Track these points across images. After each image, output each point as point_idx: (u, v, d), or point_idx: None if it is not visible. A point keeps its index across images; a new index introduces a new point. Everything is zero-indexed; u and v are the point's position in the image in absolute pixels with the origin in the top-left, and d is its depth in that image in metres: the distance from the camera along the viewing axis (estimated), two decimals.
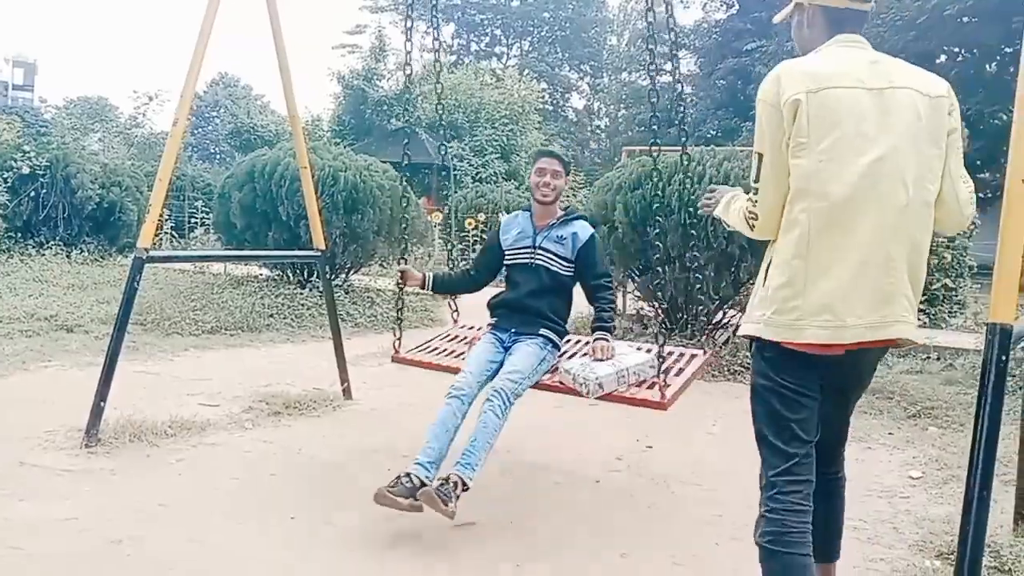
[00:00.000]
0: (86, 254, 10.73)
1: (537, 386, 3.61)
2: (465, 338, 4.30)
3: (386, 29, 28.62)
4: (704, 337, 7.17)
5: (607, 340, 3.67)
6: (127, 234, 11.69)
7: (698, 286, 6.82)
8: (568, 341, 4.03)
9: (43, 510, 3.19)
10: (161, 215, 3.30)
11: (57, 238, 10.79)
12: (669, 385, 3.51)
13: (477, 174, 20.16)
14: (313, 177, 8.55)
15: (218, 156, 29.11)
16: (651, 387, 3.51)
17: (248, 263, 10.18)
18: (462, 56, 43.45)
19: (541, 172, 3.81)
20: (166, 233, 15.26)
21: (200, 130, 37.15)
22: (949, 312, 10.25)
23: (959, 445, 4.80)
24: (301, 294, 8.74)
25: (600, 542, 3.25)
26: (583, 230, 3.84)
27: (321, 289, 8.63)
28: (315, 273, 8.76)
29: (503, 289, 3.98)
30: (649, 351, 3.75)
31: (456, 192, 15.74)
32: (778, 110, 2.12)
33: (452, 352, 4.14)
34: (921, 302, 7.48)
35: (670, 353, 3.83)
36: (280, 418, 4.79)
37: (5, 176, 10.49)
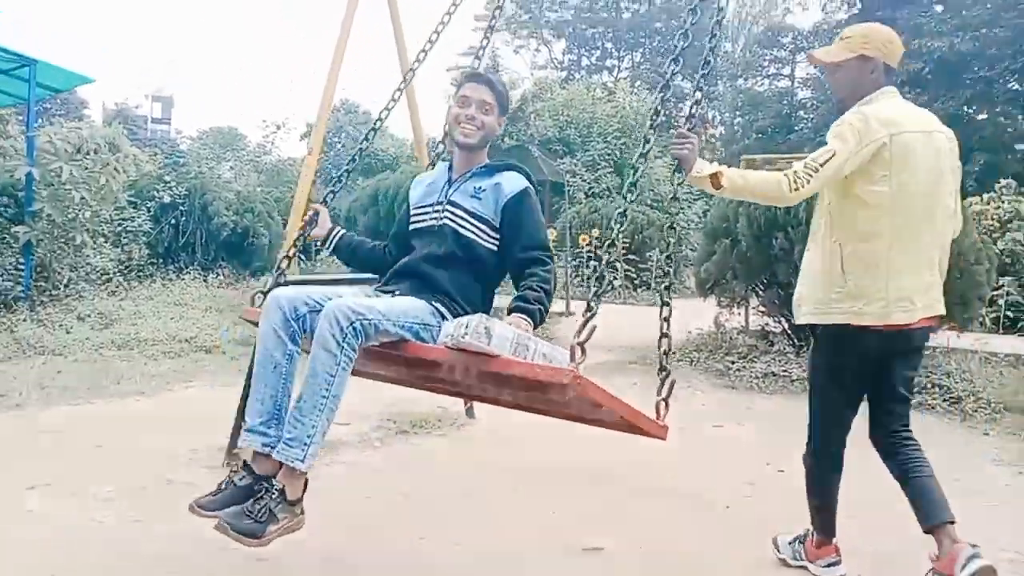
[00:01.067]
0: (221, 278, 11.31)
1: (391, 346, 2.48)
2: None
3: (499, 49, 29.06)
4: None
5: (526, 323, 2.48)
6: (259, 258, 12.25)
7: None
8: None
9: (185, 527, 3.33)
10: (296, 242, 3.33)
11: (195, 263, 11.43)
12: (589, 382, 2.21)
13: (590, 189, 20.11)
14: None
15: (341, 180, 30.13)
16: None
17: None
18: (573, 71, 43.55)
19: (464, 102, 2.83)
20: (295, 257, 15.94)
21: (324, 155, 38.60)
22: None
23: None
24: None
25: (729, 572, 3.15)
26: (512, 182, 2.80)
27: None
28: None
29: None
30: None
31: (569, 208, 15.73)
32: (861, 143, 2.71)
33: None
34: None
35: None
36: (407, 437, 4.89)
37: (148, 206, 11.19)
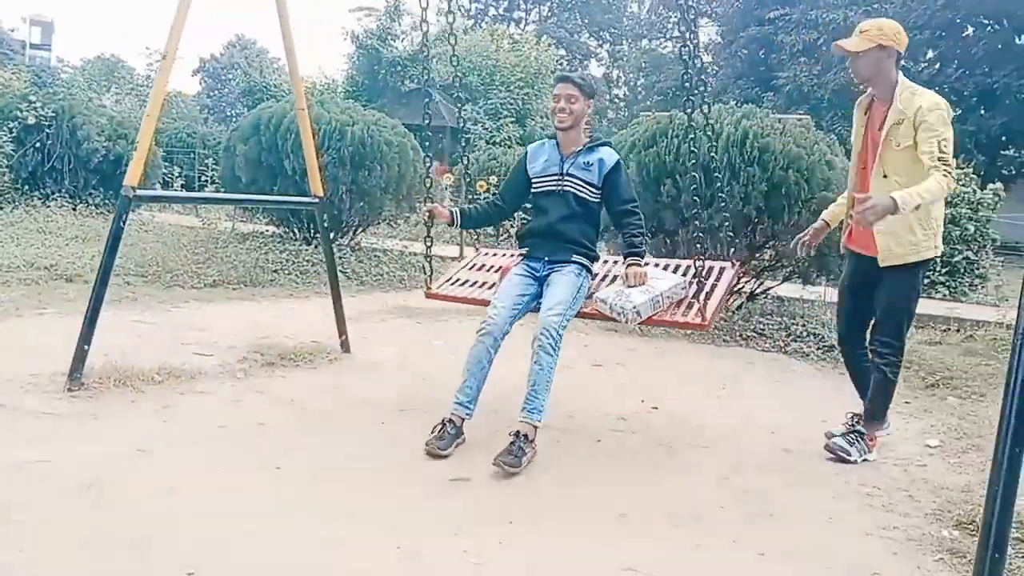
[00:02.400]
0: (92, 207, 10.60)
1: (578, 315, 3.68)
2: (492, 267, 4.30)
3: None
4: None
5: (639, 266, 3.70)
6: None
7: (712, 249, 6.66)
8: (602, 263, 4.10)
9: (17, 452, 3.05)
10: (150, 156, 3.09)
11: (63, 190, 10.65)
12: (707, 306, 3.62)
13: (491, 137, 19.85)
14: (319, 131, 8.40)
15: (233, 118, 28.90)
16: (688, 307, 3.64)
17: (248, 211, 9.96)
18: (480, 20, 42.82)
19: (556, 99, 3.82)
20: (176, 190, 15.13)
21: (216, 92, 36.87)
22: (970, 285, 10.03)
23: (980, 415, 4.61)
24: (306, 250, 8.57)
25: (598, 502, 3.09)
26: (609, 156, 3.84)
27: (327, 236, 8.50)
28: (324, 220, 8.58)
29: (529, 219, 4.03)
30: (677, 271, 3.94)
31: (469, 155, 15.50)
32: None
33: (483, 284, 4.16)
34: (942, 273, 7.42)
35: (707, 272, 3.87)
36: (274, 369, 4.65)
37: (10, 126, 10.33)
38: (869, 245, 3.73)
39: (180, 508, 2.71)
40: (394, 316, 6.75)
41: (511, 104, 21.48)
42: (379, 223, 9.79)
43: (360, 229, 9.42)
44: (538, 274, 3.80)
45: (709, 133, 6.47)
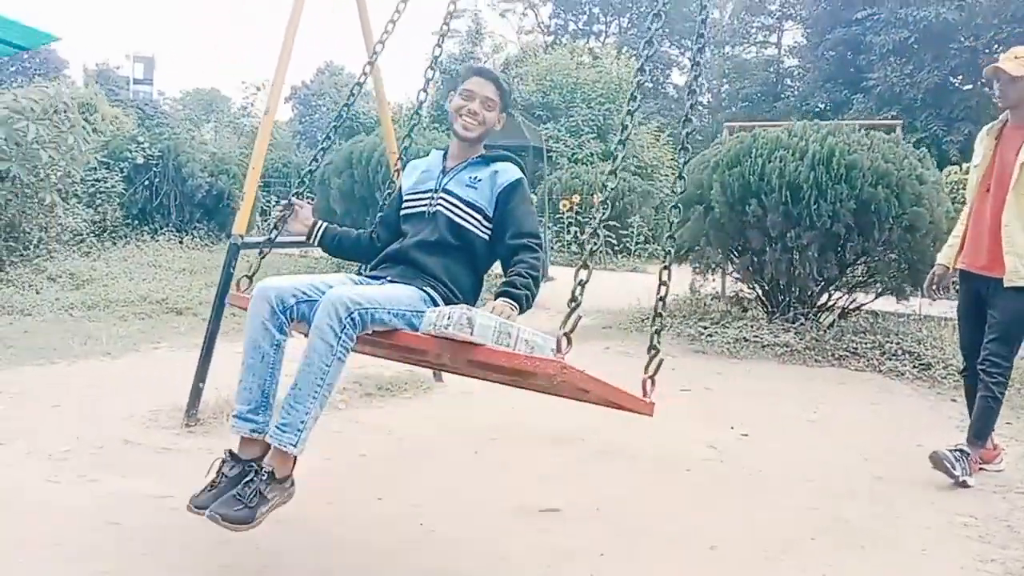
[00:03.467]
0: (197, 239, 11.20)
1: (386, 336, 2.48)
2: None
3: (483, 12, 28.67)
4: (806, 320, 6.90)
5: (511, 309, 2.47)
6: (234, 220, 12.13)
7: (801, 268, 6.61)
8: None
9: (141, 487, 3.32)
10: (256, 202, 3.31)
11: (170, 225, 11.31)
12: (573, 369, 2.20)
13: (573, 155, 19.96)
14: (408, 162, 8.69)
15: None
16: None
17: None
18: (559, 36, 43.06)
19: (468, 95, 2.85)
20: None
21: (308, 118, 38.22)
22: None
23: None
24: None
25: (688, 534, 3.15)
26: (507, 172, 2.84)
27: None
28: None
29: None
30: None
31: (551, 174, 15.63)
32: None
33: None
34: None
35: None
36: (372, 399, 4.87)
37: (122, 166, 11.03)
38: (991, 266, 3.80)
39: (293, 543, 2.90)
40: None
41: (592, 120, 21.54)
42: None
43: None
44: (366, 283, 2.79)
45: (794, 152, 6.50)
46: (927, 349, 6.35)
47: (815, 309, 7.10)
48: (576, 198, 13.17)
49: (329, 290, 2.45)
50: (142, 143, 11.28)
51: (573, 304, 2.23)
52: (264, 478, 2.37)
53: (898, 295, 6.99)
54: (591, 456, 4.06)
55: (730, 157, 6.93)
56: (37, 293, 7.64)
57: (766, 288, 7.30)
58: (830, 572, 2.84)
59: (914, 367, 6.10)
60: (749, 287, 7.60)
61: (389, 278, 2.74)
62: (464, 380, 5.31)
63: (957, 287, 4.12)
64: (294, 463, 2.45)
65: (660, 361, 2.54)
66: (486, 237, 2.82)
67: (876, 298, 7.24)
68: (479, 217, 2.81)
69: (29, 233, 8.78)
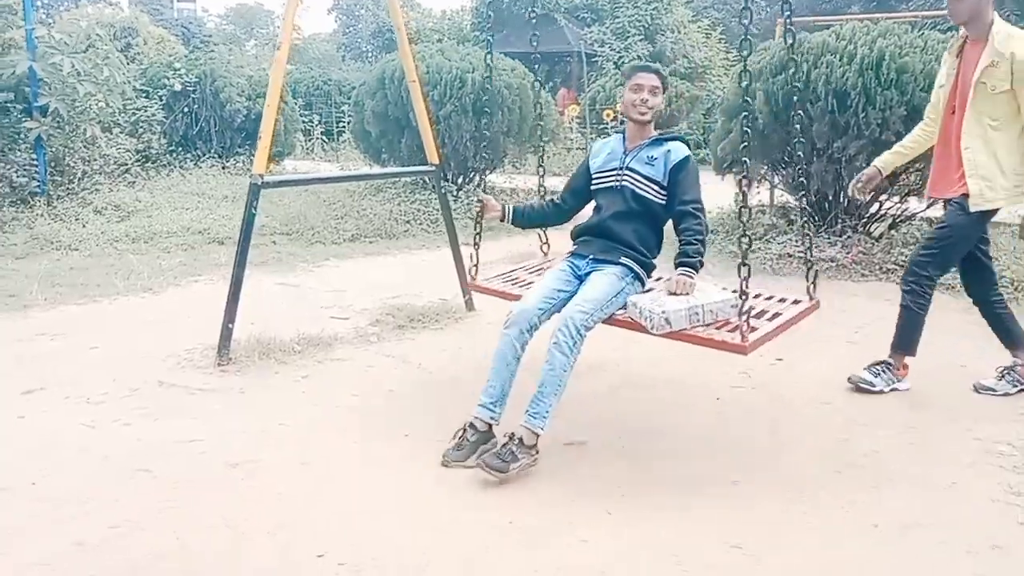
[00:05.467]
0: (239, 165, 11.24)
1: (606, 321, 3.23)
2: (543, 268, 3.99)
3: None
4: (854, 233, 6.67)
5: (689, 277, 3.20)
6: (276, 143, 12.10)
7: (848, 179, 6.33)
8: (656, 280, 3.63)
9: (173, 431, 3.40)
10: (273, 141, 3.32)
11: (212, 151, 11.35)
12: (755, 329, 3.07)
13: (620, 59, 19.33)
14: (441, 80, 8.51)
15: (369, 54, 29.50)
16: (732, 329, 3.06)
17: (380, 161, 10.28)
18: None
19: (637, 88, 3.43)
20: (317, 138, 15.78)
21: (351, 29, 37.69)
22: None
23: None
24: (436, 199, 8.79)
25: (712, 470, 3.12)
26: (677, 150, 3.41)
27: (456, 193, 8.70)
28: (449, 178, 8.77)
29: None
30: (731, 290, 3.22)
31: (595, 80, 15.18)
32: None
33: (529, 284, 3.76)
34: None
35: (765, 297, 3.57)
36: (404, 331, 4.88)
37: (160, 94, 11.04)
38: (948, 189, 3.74)
39: (315, 486, 2.96)
40: (517, 265, 6.87)
41: (639, 21, 20.74)
42: (504, 166, 9.89)
43: (487, 172, 9.55)
44: (580, 272, 3.44)
45: (842, 57, 6.15)
46: None
47: (864, 220, 6.84)
48: (621, 106, 12.78)
49: (564, 308, 3.17)
50: (179, 70, 11.24)
51: (743, 298, 3.03)
52: (517, 443, 3.03)
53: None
54: (621, 385, 4.03)
55: (774, 65, 6.59)
56: (84, 227, 7.80)
57: (813, 200, 7.04)
58: (851, 509, 2.79)
59: None
60: (796, 199, 7.34)
61: (592, 255, 3.42)
62: (495, 309, 5.31)
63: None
64: (538, 438, 3.08)
65: (815, 271, 3.43)
66: (663, 202, 3.43)
67: (929, 206, 6.93)
68: (656, 187, 3.42)
69: (73, 167, 8.91)
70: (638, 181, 3.42)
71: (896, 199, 6.94)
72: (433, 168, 5.13)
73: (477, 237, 3.96)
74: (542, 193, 4.10)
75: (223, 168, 11.03)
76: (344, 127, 15.85)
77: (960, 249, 3.80)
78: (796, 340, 4.62)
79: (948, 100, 3.75)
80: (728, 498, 2.90)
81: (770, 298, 3.60)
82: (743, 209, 3.10)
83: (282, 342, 4.45)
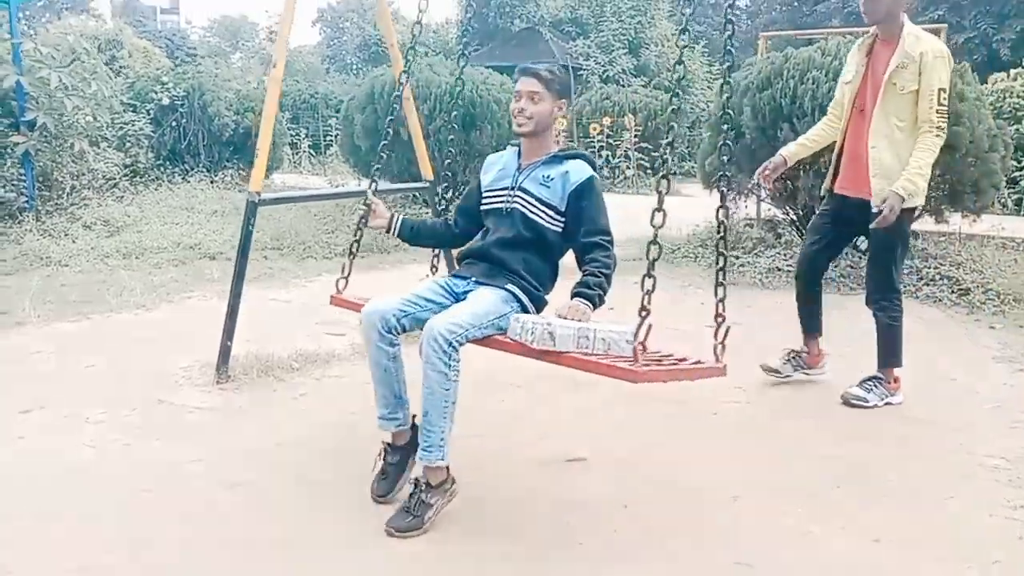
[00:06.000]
0: (227, 179, 11.23)
1: (480, 342, 2.85)
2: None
3: None
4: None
5: (584, 306, 2.77)
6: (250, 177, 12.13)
7: None
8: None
9: (173, 451, 3.40)
10: (283, 138, 3.32)
11: (200, 165, 11.33)
12: (647, 365, 2.57)
13: (604, 72, 19.47)
14: (430, 95, 8.55)
15: (353, 67, 29.57)
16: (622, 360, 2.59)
17: (353, 190, 10.29)
18: None
19: (517, 96, 3.04)
20: (305, 152, 15.78)
21: (336, 41, 37.74)
22: None
23: None
24: (427, 214, 8.84)
25: (712, 483, 3.16)
26: (577, 171, 3.00)
27: (441, 208, 8.72)
28: (439, 192, 8.79)
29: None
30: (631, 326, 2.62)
31: (581, 94, 15.28)
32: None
33: None
34: None
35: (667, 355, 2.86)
36: (403, 346, 4.87)
37: (148, 108, 11.02)
38: (861, 188, 3.81)
39: (315, 503, 2.97)
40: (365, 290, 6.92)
41: (623, 35, 20.91)
42: None
43: None
44: (457, 291, 3.05)
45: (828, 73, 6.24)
46: (966, 273, 6.20)
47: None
48: (607, 120, 12.88)
49: (429, 320, 2.77)
50: (167, 83, 11.23)
51: (644, 315, 2.53)
52: (423, 488, 2.76)
53: (937, 216, 6.79)
54: (616, 400, 4.06)
55: (761, 80, 6.69)
56: (73, 242, 7.76)
57: (800, 214, 7.14)
58: (849, 525, 2.83)
59: (952, 292, 5.98)
60: (783, 213, 7.44)
61: (474, 278, 3.02)
62: None
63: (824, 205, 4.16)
64: (447, 470, 2.81)
65: (728, 328, 2.83)
66: (559, 229, 3.03)
67: (915, 220, 7.04)
68: (552, 213, 3.01)
69: (61, 181, 8.87)
70: (530, 204, 3.02)
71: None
72: (428, 184, 5.17)
73: (354, 245, 3.57)
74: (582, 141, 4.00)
75: (211, 182, 11.01)
76: (332, 140, 15.87)
77: (904, 250, 3.95)
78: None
79: (856, 98, 3.83)
80: (730, 512, 2.94)
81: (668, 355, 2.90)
82: (722, 225, 2.97)
83: (280, 359, 4.46)
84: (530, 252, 3.02)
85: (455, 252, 3.43)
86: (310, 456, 3.39)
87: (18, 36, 8.29)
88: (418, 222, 3.46)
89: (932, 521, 2.88)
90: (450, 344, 2.69)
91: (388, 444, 3.01)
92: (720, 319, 2.86)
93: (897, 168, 3.65)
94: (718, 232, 3.01)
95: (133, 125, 10.66)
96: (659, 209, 2.63)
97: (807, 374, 4.23)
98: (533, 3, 21.21)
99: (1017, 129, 9.19)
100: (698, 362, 2.86)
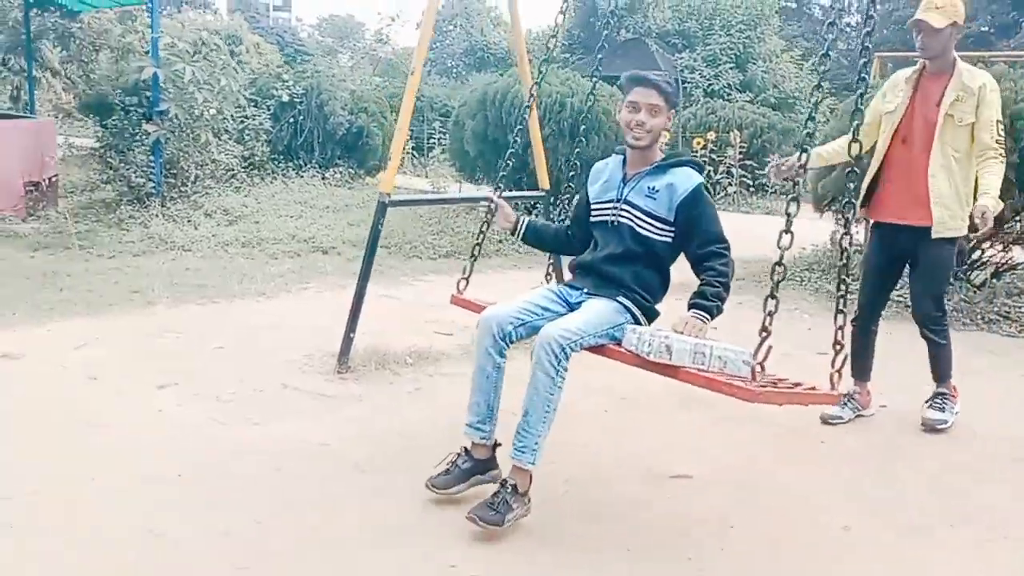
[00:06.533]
0: (338, 176, 11.64)
1: (594, 349, 2.89)
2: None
3: None
4: (955, 279, 6.57)
5: (702, 321, 2.79)
6: (373, 157, 12.49)
7: None
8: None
9: (302, 433, 3.61)
10: (402, 158, 3.48)
11: (313, 161, 11.77)
12: (764, 387, 2.62)
13: (709, 86, 19.30)
14: (540, 104, 8.68)
15: (454, 71, 30.08)
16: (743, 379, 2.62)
17: (474, 179, 10.47)
18: None
19: (633, 107, 2.98)
20: (408, 153, 16.14)
21: (438, 44, 38.44)
22: None
23: None
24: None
25: (823, 514, 3.16)
26: (684, 180, 2.96)
27: (549, 216, 8.85)
28: (538, 202, 8.93)
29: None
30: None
31: (686, 108, 15.19)
32: None
33: None
34: None
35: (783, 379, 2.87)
36: (509, 352, 5.01)
37: (268, 104, 11.52)
38: (913, 216, 3.81)
39: (444, 496, 3.10)
40: (484, 292, 6.99)
41: (731, 49, 20.68)
42: None
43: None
44: (571, 300, 3.07)
45: None
46: None
47: (966, 267, 6.74)
48: (711, 135, 12.80)
49: (544, 326, 2.81)
50: (287, 81, 11.71)
51: (764, 335, 2.56)
52: (509, 491, 2.78)
53: None
54: (722, 419, 4.08)
55: None
56: (195, 229, 8.20)
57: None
58: (975, 564, 2.80)
59: None
60: None
61: (586, 289, 3.04)
62: None
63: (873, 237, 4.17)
64: (531, 479, 2.84)
65: (846, 357, 2.90)
66: (669, 240, 3.02)
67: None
68: (660, 225, 3.00)
69: (186, 170, 9.36)
70: (637, 217, 3.01)
71: (999, 247, 6.83)
72: (543, 194, 5.29)
73: (477, 248, 3.63)
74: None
75: (323, 179, 11.42)
76: (434, 143, 16.20)
77: (949, 275, 4.14)
78: (898, 386, 4.62)
79: (900, 128, 3.87)
80: (841, 543, 2.94)
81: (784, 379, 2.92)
82: (843, 252, 2.97)
83: (395, 354, 4.65)
84: (640, 265, 3.02)
85: (566, 260, 3.47)
86: (428, 446, 3.53)
87: (158, 30, 8.81)
88: (541, 226, 3.49)
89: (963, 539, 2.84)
90: (562, 349, 2.73)
91: (466, 449, 3.05)
92: (838, 347, 2.87)
93: (953, 196, 3.75)
94: (840, 259, 3.03)
95: (254, 120, 11.14)
96: (787, 231, 2.64)
97: (861, 415, 4.20)
98: (641, 14, 21.17)
99: None
100: (813, 388, 2.87)
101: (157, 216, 8.39)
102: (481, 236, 3.63)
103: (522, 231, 3.40)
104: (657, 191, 2.99)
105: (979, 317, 6.09)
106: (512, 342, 2.98)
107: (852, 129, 3.03)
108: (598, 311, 2.90)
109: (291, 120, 11.69)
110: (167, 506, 2.91)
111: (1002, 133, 3.74)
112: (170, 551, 2.64)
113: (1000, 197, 3.70)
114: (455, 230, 8.63)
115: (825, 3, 44.93)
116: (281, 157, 11.70)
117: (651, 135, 2.99)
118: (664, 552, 2.80)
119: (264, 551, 2.66)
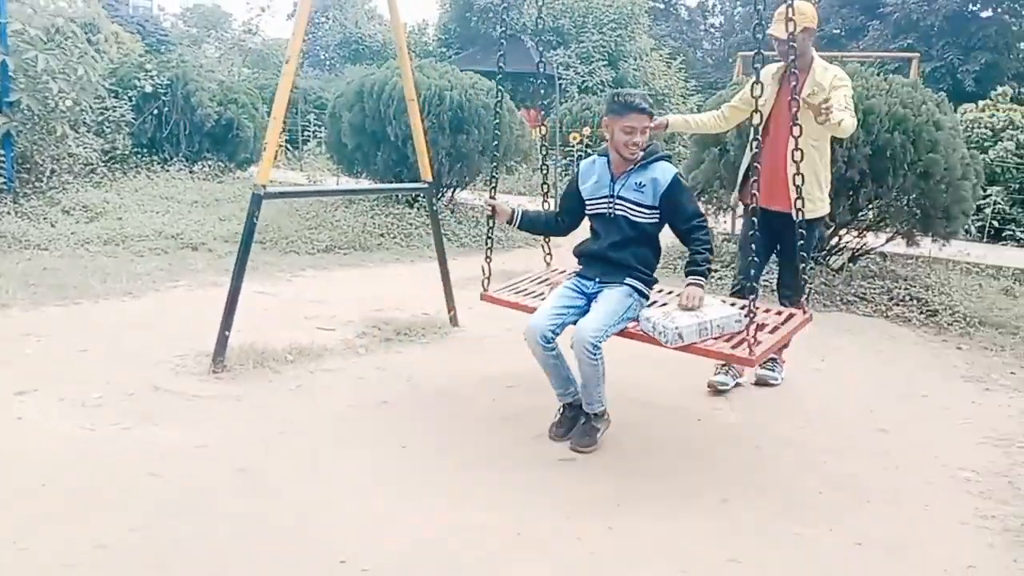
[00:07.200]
0: (207, 170, 11.17)
1: (621, 334, 3.57)
2: (551, 282, 4.21)
3: None
4: (815, 264, 6.96)
5: (699, 287, 3.53)
6: (244, 149, 12.07)
7: None
8: (659, 292, 3.97)
9: (178, 436, 3.45)
10: (278, 149, 3.39)
11: (180, 155, 11.26)
12: (760, 342, 3.34)
13: (583, 83, 19.67)
14: (419, 96, 8.63)
15: (328, 63, 29.42)
16: (738, 343, 3.35)
17: (353, 174, 10.30)
18: None
19: (629, 131, 3.57)
20: (282, 147, 15.68)
21: (311, 36, 37.41)
22: None
23: None
24: (409, 213, 8.90)
25: (701, 487, 3.29)
26: (664, 173, 3.63)
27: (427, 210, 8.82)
28: (420, 194, 8.89)
29: (588, 237, 3.89)
30: (736, 306, 3.62)
31: (560, 104, 15.43)
32: None
33: (540, 295, 4.03)
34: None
35: (766, 311, 3.77)
36: (391, 344, 4.98)
37: (130, 95, 10.93)
38: (779, 202, 4.14)
39: (325, 492, 3.04)
40: (496, 282, 7.01)
41: (603, 47, 21.14)
42: (476, 183, 10.04)
43: (458, 189, 9.70)
44: (587, 291, 3.72)
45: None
46: (935, 295, 6.43)
47: (826, 252, 7.15)
48: (587, 130, 13.05)
49: (577, 327, 3.48)
50: (150, 71, 11.15)
51: (753, 297, 3.37)
52: (592, 418, 3.65)
53: (908, 239, 7.04)
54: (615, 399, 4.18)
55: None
56: (52, 226, 7.69)
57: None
58: (836, 528, 2.98)
59: (921, 313, 6.20)
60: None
61: (597, 278, 3.71)
62: (479, 325, 5.44)
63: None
64: (605, 410, 3.66)
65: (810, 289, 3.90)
66: (656, 220, 3.69)
67: (886, 242, 7.29)
68: (649, 211, 3.66)
69: (41, 164, 8.76)
70: (631, 209, 3.67)
71: (855, 233, 7.28)
72: (427, 185, 5.25)
73: (489, 252, 4.22)
74: (545, 191, 4.32)
75: (190, 172, 10.94)
76: (308, 136, 15.81)
77: (808, 254, 4.27)
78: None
79: (769, 120, 4.23)
80: (721, 513, 3.07)
81: (767, 311, 3.80)
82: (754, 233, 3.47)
83: (274, 351, 4.51)
84: (637, 245, 3.68)
85: (572, 250, 3.98)
86: (314, 445, 3.47)
87: (5, 16, 8.20)
88: (533, 214, 4.11)
89: (910, 527, 3.03)
90: (594, 346, 3.41)
91: (567, 404, 3.73)
92: (804, 281, 3.85)
93: (813, 181, 4.08)
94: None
95: (115, 111, 10.56)
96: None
97: (739, 384, 4.54)
98: (516, 10, 21.32)
99: (984, 159, 9.53)
100: (791, 315, 3.75)
101: (9, 214, 7.81)
102: (489, 244, 4.25)
103: (518, 220, 4.02)
104: (644, 185, 3.63)
105: (838, 299, 6.48)
106: (555, 338, 3.56)
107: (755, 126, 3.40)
108: (612, 301, 3.55)
109: (155, 112, 11.13)
110: (33, 519, 2.72)
111: (851, 103, 4.13)
112: (39, 567, 2.47)
113: (853, 187, 3.97)
114: (334, 224, 8.44)
115: (691, 5, 46.70)
116: (145, 150, 11.13)
117: (641, 151, 3.62)
118: (556, 531, 2.84)
119: (141, 562, 2.53)
